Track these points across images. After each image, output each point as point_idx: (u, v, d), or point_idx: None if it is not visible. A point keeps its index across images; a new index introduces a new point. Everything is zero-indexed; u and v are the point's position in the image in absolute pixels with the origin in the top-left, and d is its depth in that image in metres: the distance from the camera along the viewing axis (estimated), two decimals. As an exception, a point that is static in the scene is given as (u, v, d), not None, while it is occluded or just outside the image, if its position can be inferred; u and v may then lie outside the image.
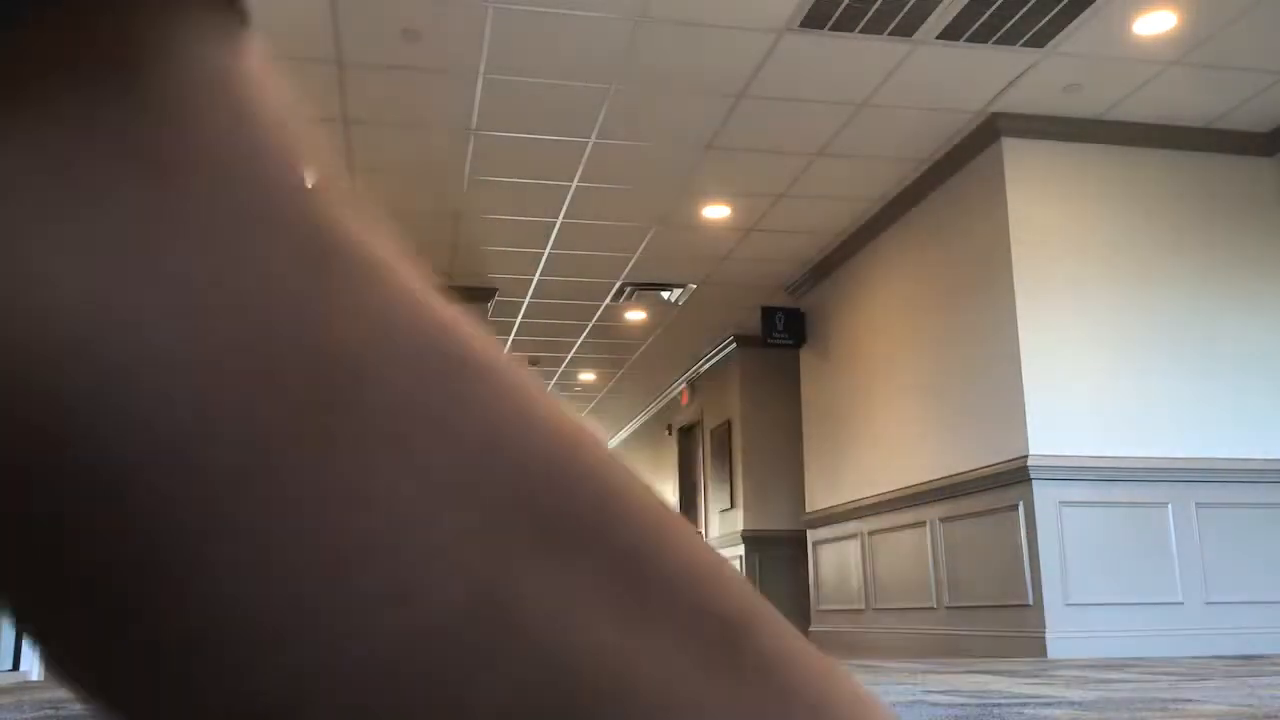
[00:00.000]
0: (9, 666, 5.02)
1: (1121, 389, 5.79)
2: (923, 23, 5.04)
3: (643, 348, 10.74)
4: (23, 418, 0.17)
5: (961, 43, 5.22)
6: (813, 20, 5.00)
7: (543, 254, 7.99)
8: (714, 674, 0.23)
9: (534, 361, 11.10)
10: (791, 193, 6.97)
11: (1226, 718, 2.18)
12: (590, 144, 6.23)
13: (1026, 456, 5.59)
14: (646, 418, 13.75)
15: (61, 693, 3.89)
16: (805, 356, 8.69)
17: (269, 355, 0.19)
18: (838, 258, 7.96)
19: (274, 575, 0.19)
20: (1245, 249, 6.12)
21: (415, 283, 0.22)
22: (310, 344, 0.19)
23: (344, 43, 5.15)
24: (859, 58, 5.34)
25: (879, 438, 7.29)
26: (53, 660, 0.21)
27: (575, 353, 10.82)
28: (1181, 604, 5.62)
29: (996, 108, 5.89)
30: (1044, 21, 5.04)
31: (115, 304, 0.17)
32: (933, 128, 6.11)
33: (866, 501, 7.39)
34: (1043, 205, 5.97)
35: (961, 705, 2.58)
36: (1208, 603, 5.64)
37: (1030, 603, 5.56)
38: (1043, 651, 5.39)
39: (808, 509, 8.49)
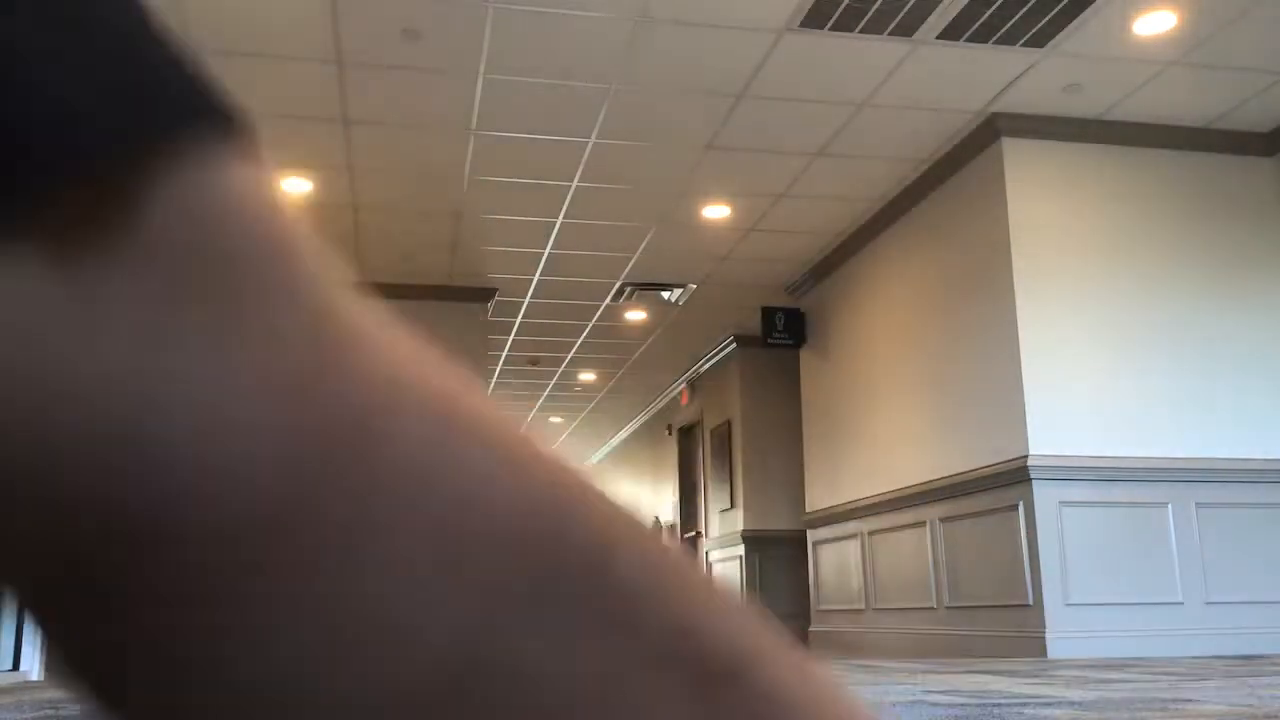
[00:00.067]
0: (9, 666, 5.03)
1: (1121, 389, 5.79)
2: (923, 23, 5.04)
3: (643, 348, 10.74)
4: (77, 496, 0.19)
5: (961, 43, 5.22)
6: (813, 20, 5.00)
7: (543, 254, 7.99)
8: (702, 703, 0.23)
9: (534, 361, 11.10)
10: (791, 193, 6.97)
11: (1226, 718, 2.18)
12: (590, 144, 6.23)
13: (1026, 456, 5.59)
14: (646, 418, 13.75)
15: (61, 693, 3.90)
16: (805, 356, 8.70)
17: (277, 426, 0.20)
18: (838, 258, 7.96)
19: (279, 634, 0.20)
20: (1245, 249, 6.12)
21: (408, 344, 0.24)
22: (317, 411, 0.21)
23: (344, 43, 5.15)
24: (859, 58, 5.34)
25: (879, 438, 7.29)
26: (64, 669, 0.22)
27: (575, 353, 10.82)
28: (1181, 604, 5.62)
29: (996, 108, 5.89)
30: (1044, 21, 5.04)
31: (147, 395, 0.19)
32: (933, 128, 6.12)
33: (866, 501, 7.39)
34: (1043, 205, 5.98)
35: (961, 705, 2.58)
36: (1208, 603, 5.65)
37: (1030, 603, 5.56)
38: (1043, 651, 5.39)
39: (808, 509, 8.49)
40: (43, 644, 0.22)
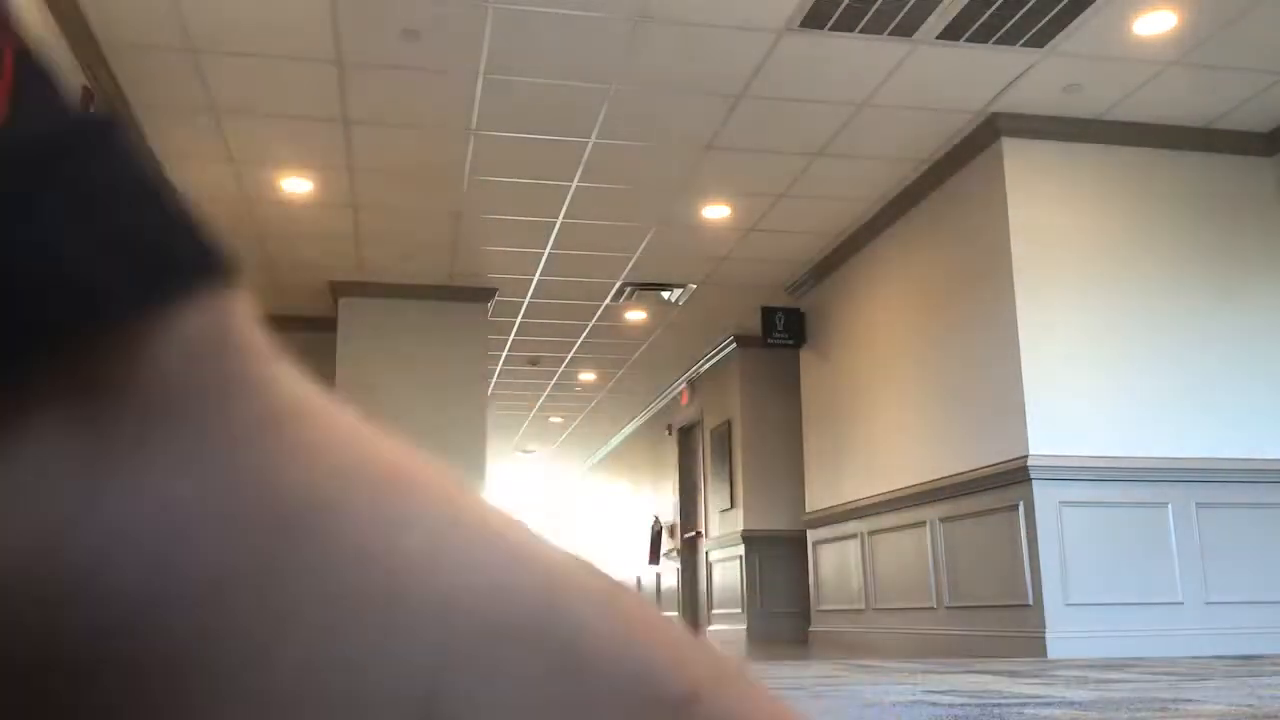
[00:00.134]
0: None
1: (1121, 389, 5.80)
2: (923, 23, 5.04)
3: (643, 348, 10.74)
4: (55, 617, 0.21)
5: (961, 43, 5.22)
6: (813, 20, 5.00)
7: (543, 254, 7.99)
8: None
9: (534, 361, 11.10)
10: (791, 193, 6.97)
11: (1226, 718, 2.18)
12: (590, 144, 6.23)
13: (1026, 456, 5.59)
14: (646, 418, 13.75)
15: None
16: (805, 356, 8.70)
17: (224, 519, 0.22)
18: (838, 258, 7.96)
19: (231, 711, 0.22)
20: (1245, 249, 6.12)
21: (349, 422, 0.26)
22: (268, 496, 0.23)
23: (344, 43, 5.15)
24: (859, 58, 5.34)
25: (879, 438, 7.29)
26: None
27: (575, 353, 10.82)
28: (1181, 604, 5.62)
29: (996, 108, 5.89)
30: (1044, 21, 5.04)
31: (115, 522, 0.21)
32: (933, 128, 6.12)
33: (866, 501, 7.39)
34: (1043, 205, 5.98)
35: (961, 705, 2.58)
36: (1208, 603, 5.65)
37: (1030, 603, 5.56)
38: (1043, 651, 5.39)
39: (808, 509, 8.49)
40: None
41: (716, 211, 7.27)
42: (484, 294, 8.78)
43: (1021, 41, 5.21)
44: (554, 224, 7.41)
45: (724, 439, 10.51)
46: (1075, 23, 5.06)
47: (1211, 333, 5.96)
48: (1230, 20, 5.05)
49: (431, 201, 7.03)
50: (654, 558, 13.03)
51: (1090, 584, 5.54)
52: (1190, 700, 2.60)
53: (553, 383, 12.09)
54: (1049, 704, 2.57)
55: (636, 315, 9.62)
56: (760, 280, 8.65)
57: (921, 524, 6.69)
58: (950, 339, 6.46)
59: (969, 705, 2.58)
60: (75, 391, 0.21)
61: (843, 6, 4.88)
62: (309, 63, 5.31)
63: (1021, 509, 5.65)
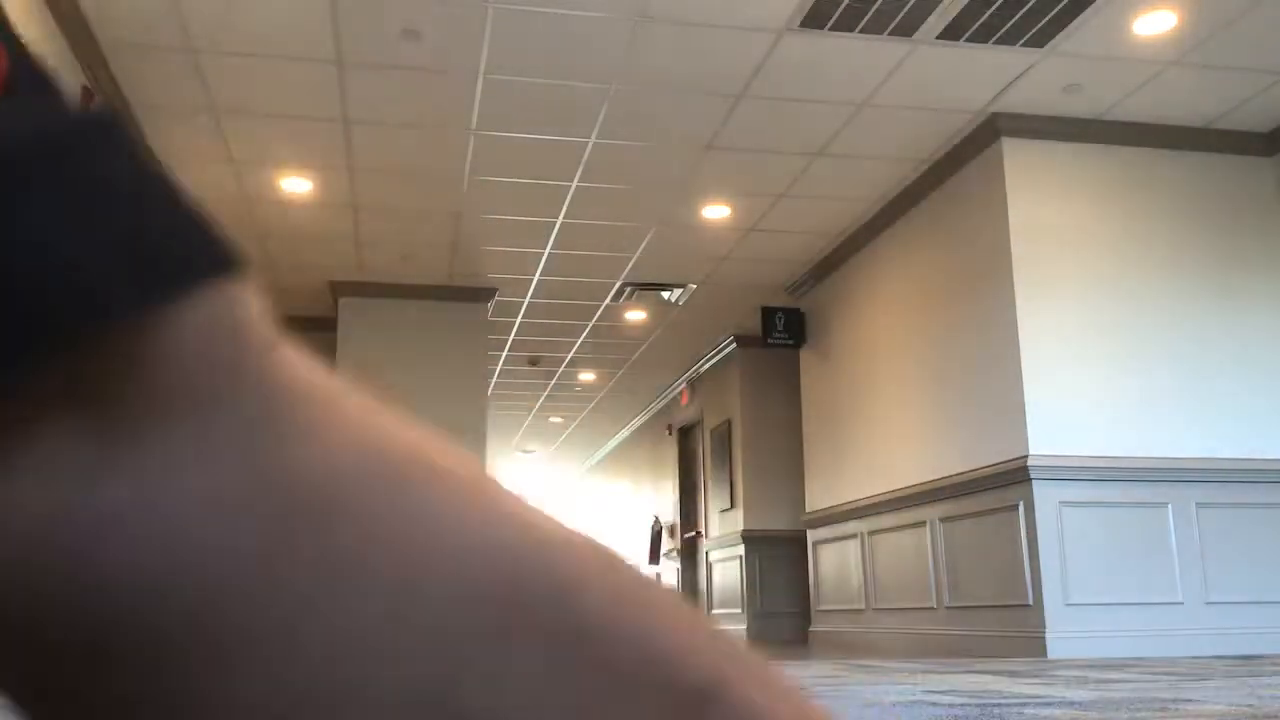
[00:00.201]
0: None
1: (1121, 389, 5.79)
2: (923, 23, 5.04)
3: (643, 348, 10.74)
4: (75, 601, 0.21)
5: (961, 43, 5.22)
6: (813, 20, 5.00)
7: (543, 254, 7.99)
8: None
9: (534, 361, 11.10)
10: (791, 193, 6.97)
11: (1226, 718, 2.18)
12: (590, 144, 6.23)
13: (1026, 456, 5.59)
14: (646, 418, 13.75)
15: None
16: (805, 356, 8.69)
17: (239, 511, 0.22)
18: (838, 258, 7.96)
19: (242, 700, 0.22)
20: (1245, 249, 6.12)
21: (362, 408, 0.25)
22: (283, 483, 0.23)
23: (344, 43, 5.15)
24: (859, 58, 5.34)
25: (879, 438, 7.29)
26: None
27: (575, 353, 10.82)
28: (1181, 604, 5.62)
29: (996, 108, 5.89)
30: (1044, 21, 5.04)
31: (129, 512, 0.22)
32: (933, 128, 6.12)
33: (866, 501, 7.39)
34: (1043, 205, 5.97)
35: (961, 705, 2.58)
36: (1208, 603, 5.64)
37: (1030, 603, 5.56)
38: (1043, 651, 5.39)
39: (808, 509, 8.49)
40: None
41: (716, 211, 7.27)
42: (484, 294, 8.78)
43: (1021, 41, 5.21)
44: (554, 224, 7.41)
45: (724, 439, 10.51)
46: (1075, 23, 5.06)
47: (1211, 333, 5.96)
48: (1230, 20, 5.05)
49: (431, 201, 7.03)
50: (654, 558, 13.03)
51: (1090, 584, 5.54)
52: (1190, 700, 2.60)
53: (553, 383, 12.09)
54: (1049, 704, 2.57)
55: (636, 315, 9.61)
56: (760, 280, 8.64)
57: (921, 524, 6.69)
58: (950, 339, 6.46)
59: (969, 705, 2.58)
60: (80, 391, 0.21)
61: (843, 6, 4.88)
62: (309, 63, 5.31)
63: (1021, 509, 5.65)
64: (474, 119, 5.92)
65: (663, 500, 13.06)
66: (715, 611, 10.86)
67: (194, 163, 6.31)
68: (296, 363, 0.25)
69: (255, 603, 0.22)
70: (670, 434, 12.64)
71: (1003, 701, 2.67)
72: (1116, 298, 5.91)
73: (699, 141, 6.22)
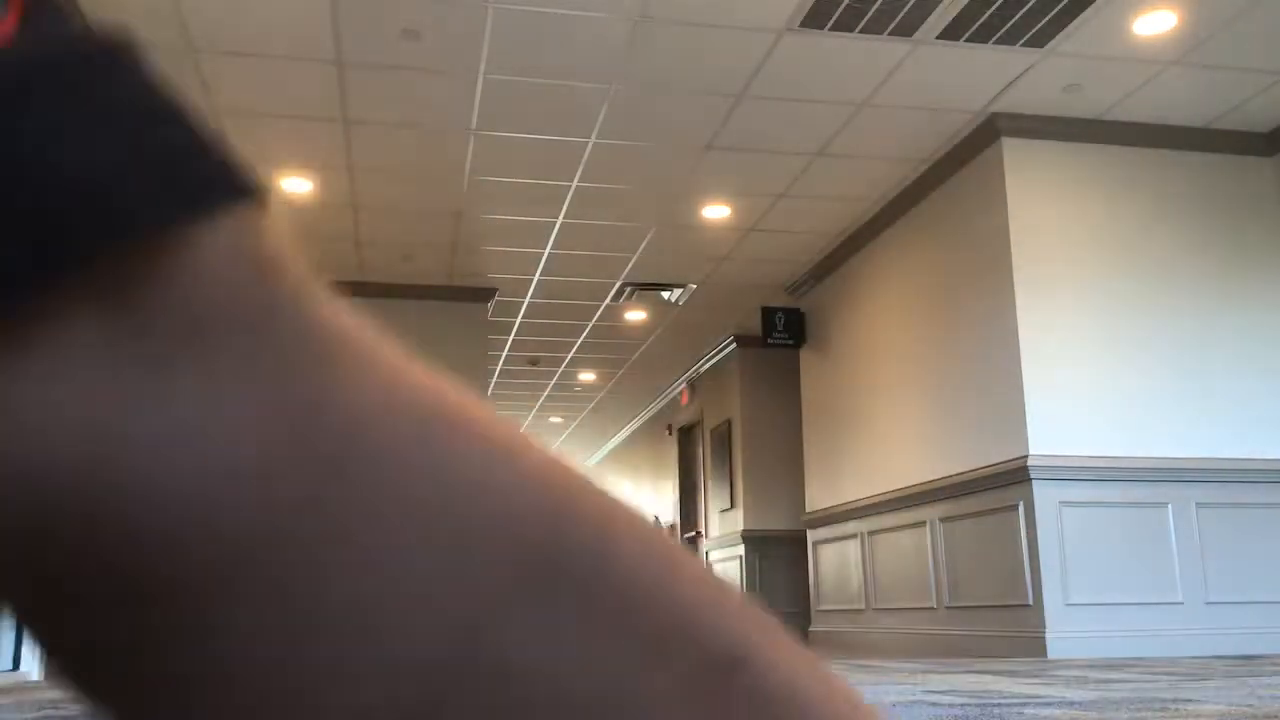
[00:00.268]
0: (9, 666, 5.03)
1: (1121, 389, 5.79)
2: (923, 23, 5.04)
3: (643, 348, 10.74)
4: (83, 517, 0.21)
5: (961, 43, 5.22)
6: (813, 20, 5.00)
7: (543, 254, 7.99)
8: (701, 712, 0.24)
9: (534, 361, 11.10)
10: (791, 193, 6.97)
11: (1226, 718, 2.18)
12: (590, 144, 6.23)
13: (1026, 456, 5.59)
14: (646, 418, 13.75)
15: (61, 693, 3.89)
16: (805, 356, 8.70)
17: (276, 443, 0.22)
18: (838, 258, 7.96)
19: (275, 632, 0.22)
20: (1245, 249, 6.12)
21: (394, 354, 0.25)
22: (324, 418, 0.23)
23: (344, 43, 5.15)
24: (859, 58, 5.34)
25: (879, 438, 7.29)
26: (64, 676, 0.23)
27: (575, 353, 10.82)
28: (1181, 604, 5.62)
29: (996, 108, 5.89)
30: (1044, 21, 5.04)
31: (147, 432, 0.21)
32: (933, 128, 6.12)
33: (866, 501, 7.39)
34: (1043, 205, 5.97)
35: (961, 705, 2.58)
36: (1208, 603, 5.65)
37: (1030, 603, 5.56)
38: (1043, 651, 5.39)
39: (808, 509, 8.49)
40: (40, 651, 0.23)
41: (716, 211, 7.27)
42: (484, 294, 8.78)
43: (1021, 41, 5.21)
44: (554, 224, 7.41)
45: (724, 439, 10.51)
46: (1075, 23, 5.06)
47: (1211, 333, 5.96)
48: (1230, 20, 5.05)
49: (431, 201, 7.03)
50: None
51: (1090, 584, 5.54)
52: (1190, 700, 2.60)
53: (553, 383, 12.08)
54: (1049, 704, 2.57)
55: (636, 315, 9.61)
56: (760, 280, 8.65)
57: (921, 524, 6.69)
58: (950, 339, 6.46)
59: (969, 705, 2.58)
60: (109, 309, 0.21)
61: (843, 6, 4.88)
62: (309, 63, 5.31)
63: (1021, 509, 5.65)
64: (474, 119, 5.92)
65: (663, 500, 13.06)
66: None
67: (194, 163, 6.31)
68: (328, 302, 0.24)
69: (290, 534, 0.22)
70: (670, 434, 12.64)
71: (1003, 701, 2.67)
72: (1116, 298, 5.91)
73: (699, 141, 6.22)
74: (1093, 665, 4.55)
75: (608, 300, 9.12)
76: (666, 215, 7.31)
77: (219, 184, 0.23)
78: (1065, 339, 5.81)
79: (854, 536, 7.65)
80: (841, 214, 7.35)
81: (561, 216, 7.28)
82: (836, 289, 8.07)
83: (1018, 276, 5.84)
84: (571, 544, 0.24)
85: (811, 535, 8.45)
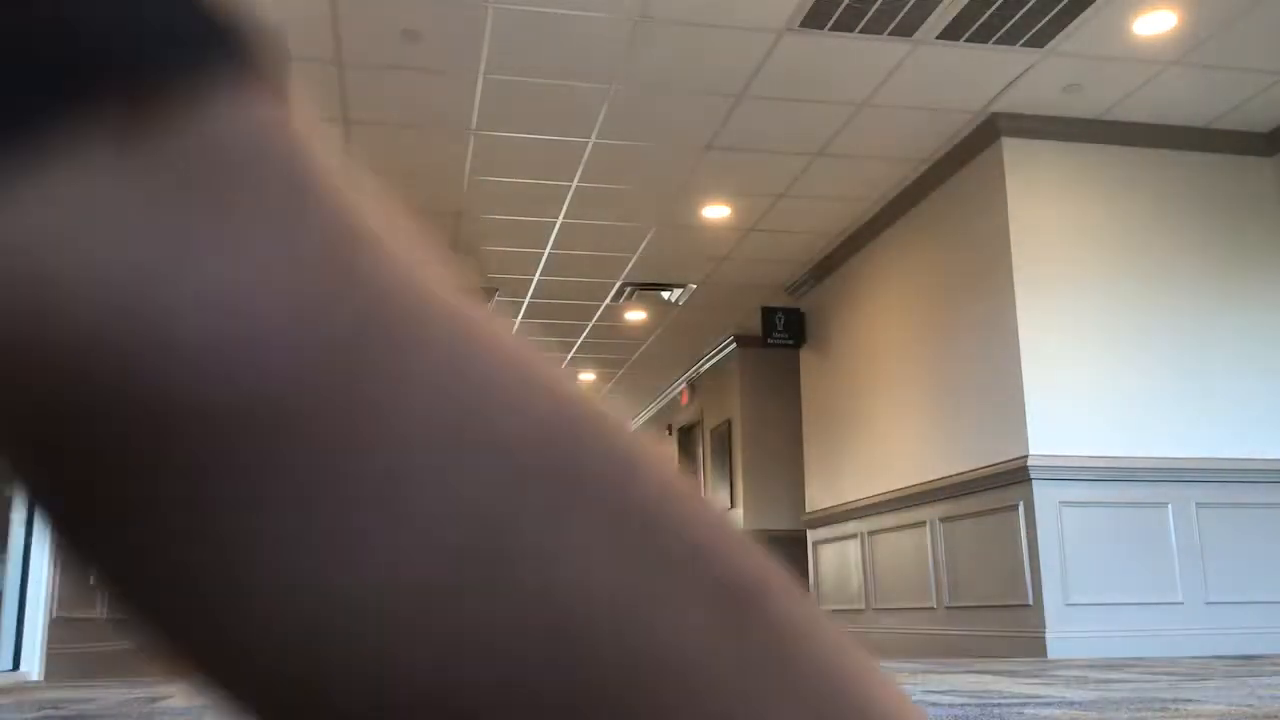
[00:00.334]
0: (9, 666, 5.03)
1: (1121, 389, 5.80)
2: (923, 23, 5.04)
3: (643, 348, 10.74)
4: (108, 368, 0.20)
5: (961, 43, 5.22)
6: (813, 20, 5.00)
7: (543, 254, 7.99)
8: (720, 636, 0.24)
9: (534, 361, 11.09)
10: (791, 193, 6.97)
11: (1226, 718, 2.18)
12: (590, 144, 6.23)
13: (1026, 456, 5.59)
14: (646, 418, 13.75)
15: (61, 693, 3.89)
16: (805, 356, 8.70)
17: (307, 291, 0.21)
18: (838, 258, 7.96)
19: (290, 518, 0.21)
20: (1245, 249, 6.12)
21: (414, 245, 0.25)
22: (344, 304, 0.22)
23: (344, 43, 5.15)
24: (859, 58, 5.34)
25: (879, 438, 7.29)
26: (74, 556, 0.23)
27: (575, 353, 10.82)
28: (1181, 604, 5.62)
29: (996, 108, 5.89)
30: (1044, 21, 5.04)
31: (170, 281, 0.20)
32: (933, 128, 6.12)
33: (866, 501, 7.39)
34: (1043, 205, 5.98)
35: (961, 705, 2.58)
36: (1208, 603, 5.65)
37: (1030, 603, 5.56)
38: (1043, 651, 5.39)
39: (808, 509, 8.50)
40: (52, 542, 0.23)
41: (716, 211, 7.27)
42: (484, 294, 8.78)
43: (1021, 41, 5.21)
44: (554, 224, 7.41)
45: (724, 439, 10.51)
46: (1075, 23, 5.06)
47: (1211, 333, 5.96)
48: (1230, 20, 5.05)
49: (431, 201, 7.03)
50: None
51: (1090, 584, 5.54)
52: (1190, 700, 2.60)
53: (553, 383, 12.08)
54: (1049, 704, 2.57)
55: (636, 315, 9.62)
56: (760, 280, 8.65)
57: (921, 524, 6.69)
58: (950, 339, 6.46)
59: (969, 705, 2.58)
60: (131, 146, 0.20)
61: (843, 6, 4.88)
62: (309, 63, 5.31)
63: (1021, 509, 5.65)
64: (474, 119, 5.92)
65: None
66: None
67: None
68: (358, 186, 0.24)
69: (324, 392, 0.21)
70: (670, 434, 12.64)
71: (1003, 701, 2.67)
72: (1116, 298, 5.91)
73: (699, 141, 6.22)
74: (1093, 665, 4.55)
75: (607, 300, 9.12)
76: (666, 215, 7.31)
77: (246, 46, 0.22)
78: (1065, 339, 5.81)
79: (854, 536, 7.65)
80: (841, 214, 7.35)
81: (561, 216, 7.28)
82: (836, 289, 8.07)
83: (1018, 276, 5.84)
84: (598, 461, 0.24)
85: (811, 535, 8.45)
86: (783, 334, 8.67)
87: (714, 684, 0.23)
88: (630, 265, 8.29)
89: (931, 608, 6.57)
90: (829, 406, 8.14)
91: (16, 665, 5.06)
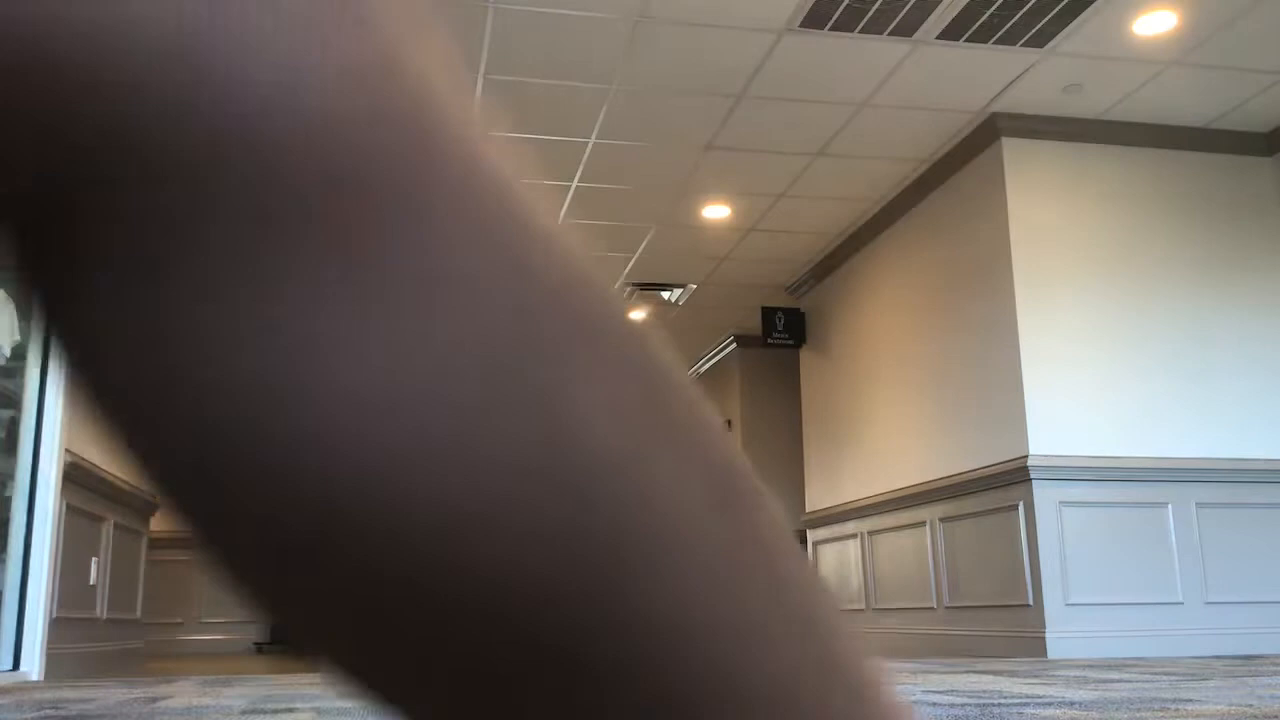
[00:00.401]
0: (9, 666, 5.03)
1: (1121, 389, 5.80)
2: (923, 23, 5.04)
3: (643, 348, 10.74)
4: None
5: (961, 43, 5.22)
6: (813, 20, 5.00)
7: (543, 254, 7.98)
8: (713, 509, 0.25)
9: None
10: (791, 193, 6.97)
11: (1226, 718, 2.18)
12: (590, 144, 6.23)
13: (1026, 456, 5.59)
14: (646, 418, 13.76)
15: (61, 693, 3.89)
16: (805, 356, 8.70)
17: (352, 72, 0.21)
18: (838, 258, 7.96)
19: (337, 287, 0.21)
20: (1245, 249, 6.12)
21: (487, 134, 0.25)
22: (394, 87, 0.22)
23: (344, 43, 5.15)
24: (859, 58, 5.34)
25: (879, 438, 7.29)
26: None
27: (575, 353, 10.83)
28: (1181, 604, 5.62)
29: (996, 108, 5.89)
30: (1044, 21, 5.04)
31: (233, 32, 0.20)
32: (933, 128, 6.12)
33: (866, 501, 7.39)
34: (1043, 205, 5.98)
35: (961, 705, 2.58)
36: (1208, 603, 5.65)
37: (1030, 603, 5.56)
38: (1043, 651, 5.39)
39: (808, 509, 8.50)
40: (41, 313, 0.22)
41: (716, 211, 7.27)
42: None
43: (1021, 41, 5.21)
44: (554, 224, 7.40)
45: (724, 439, 10.51)
46: (1075, 23, 5.06)
47: (1211, 333, 5.96)
48: (1230, 20, 5.05)
49: (431, 201, 7.03)
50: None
51: (1090, 584, 5.54)
52: (1190, 700, 2.60)
53: (553, 383, 12.09)
54: (1049, 704, 2.57)
55: (636, 315, 9.61)
56: (760, 280, 8.65)
57: (921, 524, 6.69)
58: (950, 339, 6.46)
59: (969, 705, 2.58)
60: None
61: (843, 6, 4.88)
62: (309, 63, 5.30)
63: (1021, 509, 5.65)
64: (474, 119, 5.92)
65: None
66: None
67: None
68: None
69: (386, 171, 0.21)
70: (670, 434, 12.65)
71: (1003, 701, 2.67)
72: (1116, 298, 5.91)
73: (699, 141, 6.22)
74: (1093, 665, 4.55)
75: (608, 300, 9.12)
76: (666, 215, 7.31)
77: None
78: (1065, 339, 5.81)
79: (854, 536, 7.65)
80: (842, 214, 7.35)
81: (561, 217, 7.27)
82: (837, 289, 8.08)
83: (1018, 276, 5.84)
84: (616, 322, 0.24)
85: (811, 535, 8.46)
86: (783, 334, 8.67)
87: (701, 565, 0.24)
88: (630, 265, 8.29)
89: (931, 608, 6.57)
90: (829, 406, 8.14)
91: (16, 665, 5.06)
